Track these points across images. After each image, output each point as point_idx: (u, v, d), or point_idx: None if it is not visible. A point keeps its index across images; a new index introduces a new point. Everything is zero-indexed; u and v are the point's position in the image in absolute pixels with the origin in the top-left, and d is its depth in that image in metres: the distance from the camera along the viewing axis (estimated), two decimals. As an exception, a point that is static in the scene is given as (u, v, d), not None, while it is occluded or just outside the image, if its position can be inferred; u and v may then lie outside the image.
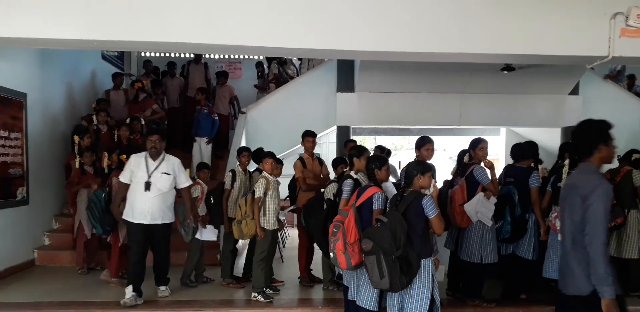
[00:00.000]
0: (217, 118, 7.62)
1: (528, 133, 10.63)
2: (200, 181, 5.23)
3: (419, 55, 4.44)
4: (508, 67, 7.12)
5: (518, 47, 4.31)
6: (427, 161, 4.00)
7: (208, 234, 5.17)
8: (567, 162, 4.09)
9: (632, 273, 4.83)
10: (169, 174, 4.49)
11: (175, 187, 4.64)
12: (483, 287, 4.53)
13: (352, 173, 4.17)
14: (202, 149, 7.50)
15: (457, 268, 4.68)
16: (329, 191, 4.76)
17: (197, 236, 5.09)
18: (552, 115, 8.42)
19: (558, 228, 4.00)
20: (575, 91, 8.45)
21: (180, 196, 4.73)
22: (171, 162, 4.57)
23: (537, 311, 4.42)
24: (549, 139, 8.97)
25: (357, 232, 3.46)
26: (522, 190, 4.44)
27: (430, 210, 3.25)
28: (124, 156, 5.03)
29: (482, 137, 4.66)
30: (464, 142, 12.00)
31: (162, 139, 4.53)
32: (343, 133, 8.29)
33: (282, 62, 9.17)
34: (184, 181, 4.66)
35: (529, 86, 8.06)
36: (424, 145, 4.32)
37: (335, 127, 8.37)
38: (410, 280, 3.19)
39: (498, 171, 4.64)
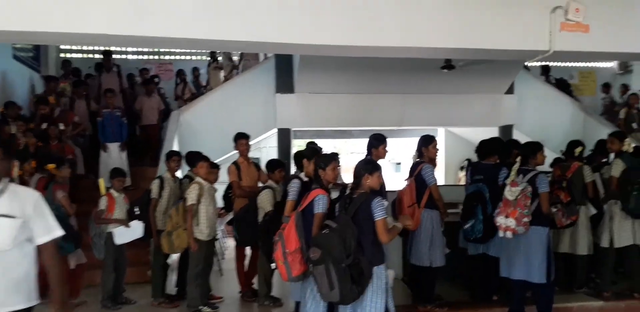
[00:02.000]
0: (125, 121, 7.04)
1: (466, 133, 10.78)
2: (113, 191, 4.66)
3: (359, 50, 4.18)
4: (448, 65, 7.08)
5: (461, 41, 4.17)
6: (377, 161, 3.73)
7: (128, 234, 4.53)
8: (518, 159, 3.94)
9: (578, 270, 4.81)
10: (11, 217, 2.29)
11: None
12: (435, 291, 4.34)
13: (301, 175, 3.83)
14: (114, 156, 6.84)
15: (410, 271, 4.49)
16: (265, 200, 4.38)
17: (116, 241, 4.51)
18: (489, 115, 8.53)
19: (498, 225, 3.85)
20: (510, 90, 8.60)
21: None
22: (21, 196, 2.38)
23: (492, 313, 4.27)
24: (486, 138, 9.11)
25: (298, 240, 3.15)
26: (491, 187, 4.23)
27: (377, 212, 2.96)
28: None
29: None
30: (402, 145, 12.06)
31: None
32: (284, 136, 7.96)
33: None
34: (46, 231, 2.39)
35: (467, 86, 8.11)
36: (382, 143, 4.09)
37: (275, 130, 8.02)
38: (362, 290, 2.89)
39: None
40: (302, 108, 7.80)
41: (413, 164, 4.35)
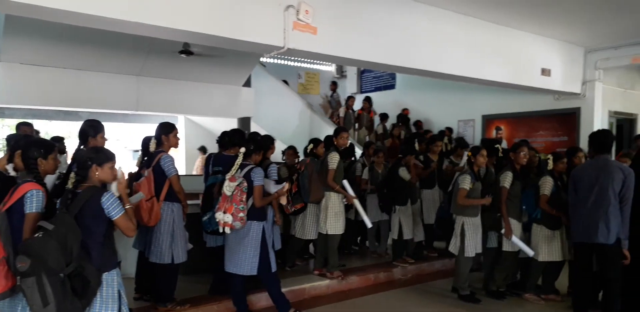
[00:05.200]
0: None
1: (206, 122, 10.79)
2: None
3: (83, 18, 3.52)
4: (186, 51, 6.84)
5: (200, 26, 3.98)
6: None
7: None
8: (241, 154, 3.93)
9: (318, 252, 5.30)
10: None
11: None
12: (176, 288, 4.12)
13: (8, 166, 2.98)
14: None
15: (145, 269, 4.13)
16: None
17: None
18: (228, 106, 8.66)
19: (217, 220, 3.79)
20: (248, 83, 8.92)
21: None
22: None
23: (230, 305, 4.28)
24: (227, 129, 9.24)
25: (3, 248, 2.51)
26: None
27: (113, 210, 2.58)
28: None
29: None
30: (139, 130, 11.30)
31: None
32: (-17, 114, 6.41)
33: None
34: None
35: (206, 74, 8.05)
36: (99, 131, 3.57)
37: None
38: (88, 302, 2.47)
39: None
40: (10, 81, 6.40)
41: (151, 153, 3.99)
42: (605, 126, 8.17)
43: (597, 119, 7.97)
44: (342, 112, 9.96)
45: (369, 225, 5.30)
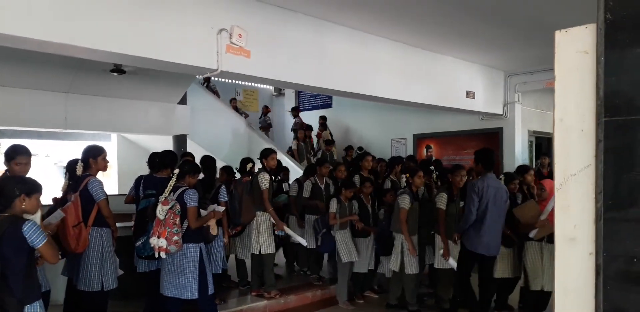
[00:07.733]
0: None
1: (141, 140, 10.50)
2: None
3: (3, 38, 3.40)
4: (118, 69, 6.71)
5: (130, 48, 3.93)
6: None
7: None
8: (174, 176, 3.87)
9: (254, 272, 5.25)
10: None
11: None
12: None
13: None
14: None
15: (74, 296, 3.95)
16: None
17: None
18: (163, 123, 8.52)
19: (152, 246, 3.72)
20: (183, 101, 8.83)
21: None
22: None
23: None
24: (162, 146, 9.04)
25: None
26: None
27: (37, 238, 2.48)
28: None
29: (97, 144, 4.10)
30: (70, 147, 10.81)
31: None
32: None
33: None
34: None
35: (140, 92, 7.89)
36: (16, 157, 3.30)
37: None
38: (5, 337, 2.37)
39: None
40: None
41: (78, 177, 3.84)
42: (526, 144, 8.79)
43: (518, 138, 8.56)
44: (294, 145, 9.95)
45: (304, 243, 5.23)
